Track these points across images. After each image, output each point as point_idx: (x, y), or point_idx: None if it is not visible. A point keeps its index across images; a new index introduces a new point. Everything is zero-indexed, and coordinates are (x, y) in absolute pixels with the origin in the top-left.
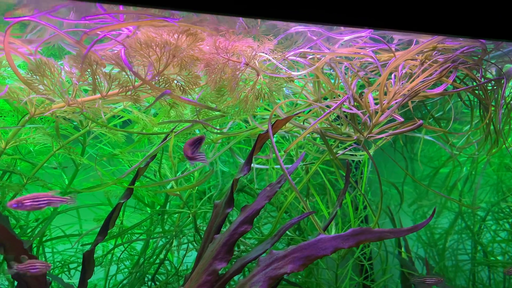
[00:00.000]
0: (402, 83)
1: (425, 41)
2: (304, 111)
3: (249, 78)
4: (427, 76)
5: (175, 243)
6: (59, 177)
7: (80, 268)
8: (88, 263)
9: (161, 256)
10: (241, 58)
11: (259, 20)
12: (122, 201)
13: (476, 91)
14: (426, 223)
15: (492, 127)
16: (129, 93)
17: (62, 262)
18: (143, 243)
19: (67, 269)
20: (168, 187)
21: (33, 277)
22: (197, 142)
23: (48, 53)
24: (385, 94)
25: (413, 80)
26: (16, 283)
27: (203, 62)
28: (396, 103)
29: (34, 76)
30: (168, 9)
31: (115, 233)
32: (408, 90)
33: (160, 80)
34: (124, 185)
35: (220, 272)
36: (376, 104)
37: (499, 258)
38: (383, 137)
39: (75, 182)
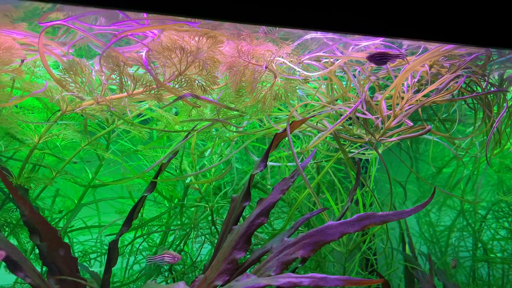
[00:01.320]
0: (414, 90)
1: (432, 48)
2: (319, 113)
3: (265, 80)
4: (439, 84)
5: (192, 235)
6: (81, 171)
7: (99, 258)
8: (113, 252)
9: (179, 247)
10: (260, 61)
11: None
12: (146, 194)
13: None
14: (426, 204)
15: (495, 129)
16: (152, 92)
17: (84, 252)
18: (161, 235)
19: (88, 259)
20: (187, 181)
21: (65, 264)
22: None
23: (77, 54)
24: (397, 99)
25: (419, 88)
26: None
27: (225, 65)
28: (409, 108)
29: (67, 75)
30: (183, 17)
31: (135, 225)
32: (420, 99)
33: (182, 80)
34: (147, 179)
35: (239, 260)
36: (388, 109)
37: (498, 255)
38: (393, 140)
39: (98, 176)
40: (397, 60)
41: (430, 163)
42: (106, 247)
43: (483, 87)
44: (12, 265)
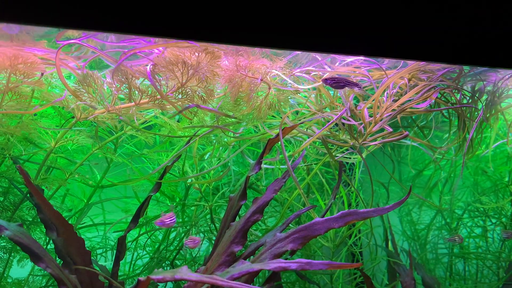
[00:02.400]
0: (393, 99)
1: (411, 63)
2: (308, 120)
3: (261, 90)
4: (413, 94)
5: (193, 231)
6: (88, 173)
7: (104, 254)
8: (121, 246)
9: (181, 243)
10: (256, 74)
11: None
12: (151, 194)
13: (452, 108)
14: (402, 202)
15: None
16: (156, 102)
17: (91, 248)
18: (164, 232)
19: (95, 254)
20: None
21: (80, 256)
22: None
23: (89, 65)
24: (378, 108)
25: (400, 98)
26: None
27: (224, 78)
28: (387, 116)
29: (80, 86)
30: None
31: (140, 223)
32: (398, 106)
33: (183, 91)
34: (152, 180)
35: (237, 254)
36: (370, 116)
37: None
38: (374, 144)
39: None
40: (355, 87)
41: (410, 167)
42: (111, 243)
43: (458, 98)
44: (35, 257)
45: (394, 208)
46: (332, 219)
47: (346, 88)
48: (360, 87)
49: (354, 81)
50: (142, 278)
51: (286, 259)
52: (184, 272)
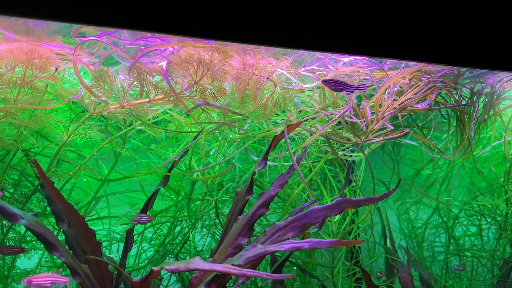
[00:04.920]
0: (394, 98)
1: (413, 64)
2: (313, 118)
3: (267, 88)
4: (414, 93)
5: (198, 225)
6: (95, 167)
7: (109, 247)
8: (129, 238)
9: (186, 237)
10: (262, 72)
11: None
12: (159, 187)
13: (451, 109)
14: (392, 192)
15: (466, 137)
16: (170, 99)
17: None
18: (169, 225)
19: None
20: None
21: (90, 247)
22: None
23: (102, 62)
24: (379, 106)
25: (401, 96)
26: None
27: (232, 76)
28: (389, 114)
29: (96, 82)
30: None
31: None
32: (399, 104)
33: (196, 89)
34: (159, 175)
35: (243, 246)
36: (372, 114)
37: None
38: (376, 141)
39: (112, 172)
40: (354, 90)
41: (407, 165)
42: (117, 237)
43: (456, 99)
44: (50, 246)
45: (383, 198)
46: (329, 206)
47: (344, 92)
48: (361, 89)
49: (354, 84)
50: (155, 268)
51: None
52: (197, 262)
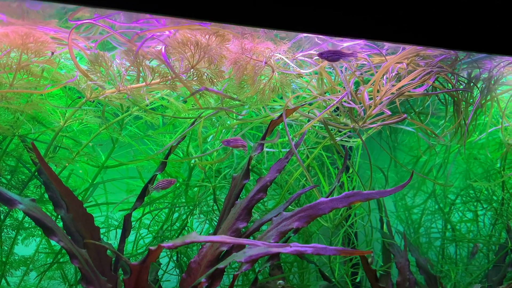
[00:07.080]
0: (392, 83)
1: (408, 47)
2: (310, 103)
3: (264, 74)
4: (411, 79)
5: (196, 211)
6: (92, 153)
7: (107, 234)
8: (127, 224)
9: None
10: (260, 57)
11: None
12: (157, 173)
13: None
14: (405, 185)
15: (462, 122)
16: (168, 83)
17: None
18: (167, 211)
19: None
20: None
21: (89, 232)
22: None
23: (98, 46)
24: (377, 91)
25: (400, 81)
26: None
27: (230, 60)
28: (387, 99)
29: (91, 66)
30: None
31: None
32: (396, 90)
33: (194, 73)
34: (157, 161)
35: (241, 230)
36: (370, 99)
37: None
38: (374, 126)
39: (109, 159)
40: (350, 57)
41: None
42: (115, 223)
43: (453, 83)
44: (48, 231)
45: (397, 191)
46: (337, 199)
47: (341, 60)
48: (355, 57)
49: (348, 52)
50: (152, 247)
51: (289, 236)
52: (193, 236)
